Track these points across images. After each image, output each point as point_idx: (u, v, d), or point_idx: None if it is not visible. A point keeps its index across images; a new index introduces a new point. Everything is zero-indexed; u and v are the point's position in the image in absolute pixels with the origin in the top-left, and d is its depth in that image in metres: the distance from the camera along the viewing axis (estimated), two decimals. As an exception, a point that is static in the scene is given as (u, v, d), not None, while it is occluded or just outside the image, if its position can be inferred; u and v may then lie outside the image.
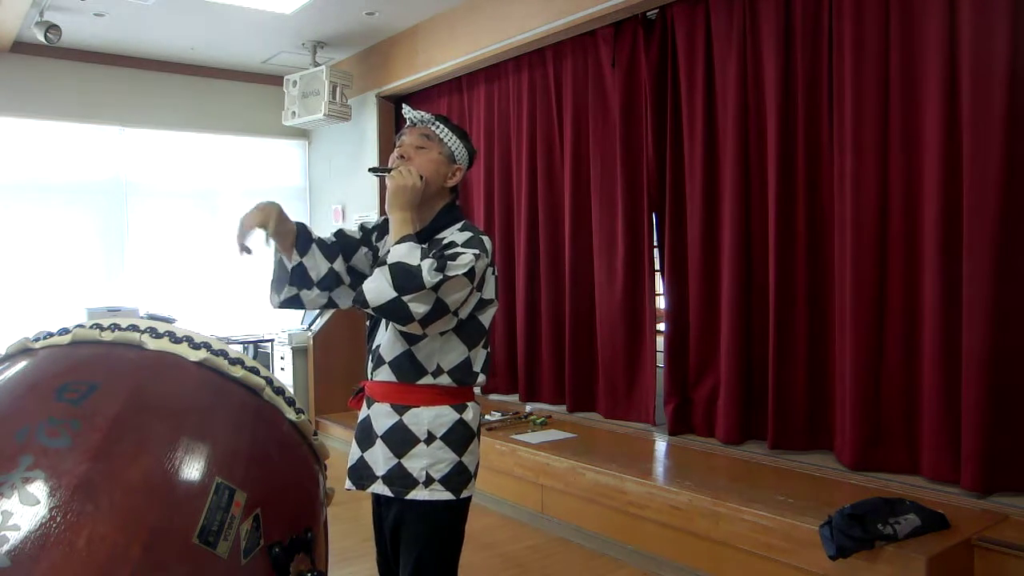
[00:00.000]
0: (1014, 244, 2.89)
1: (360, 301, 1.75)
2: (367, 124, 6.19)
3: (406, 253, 1.72)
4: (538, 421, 4.49)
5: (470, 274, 1.73)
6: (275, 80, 6.39)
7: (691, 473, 3.41)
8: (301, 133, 6.85)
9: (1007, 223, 2.88)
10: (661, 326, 4.32)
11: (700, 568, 3.09)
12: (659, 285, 4.40)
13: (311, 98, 5.80)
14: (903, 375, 3.24)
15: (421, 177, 1.84)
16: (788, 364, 3.59)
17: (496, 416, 4.67)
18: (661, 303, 4.36)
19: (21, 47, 5.54)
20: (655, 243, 4.34)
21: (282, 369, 6.05)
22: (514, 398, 5.20)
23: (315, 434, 1.32)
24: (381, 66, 5.93)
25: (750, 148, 3.77)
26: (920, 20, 3.14)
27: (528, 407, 5.02)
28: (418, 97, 6.02)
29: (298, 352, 5.94)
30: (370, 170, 2.02)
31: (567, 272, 4.73)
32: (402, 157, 1.90)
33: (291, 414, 1.25)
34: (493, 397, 5.33)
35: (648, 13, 4.19)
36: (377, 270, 1.73)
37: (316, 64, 5.91)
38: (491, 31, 4.85)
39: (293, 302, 1.94)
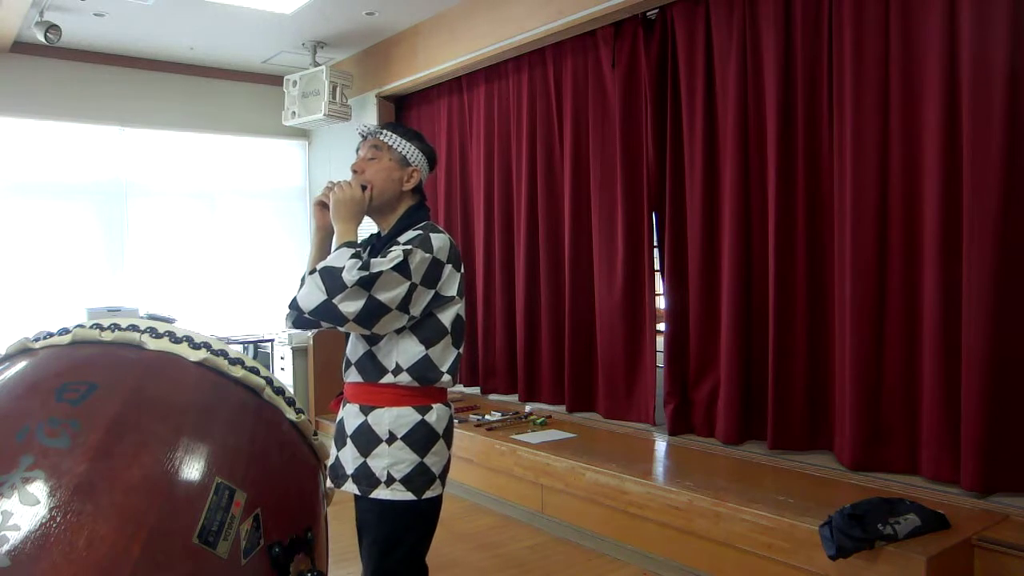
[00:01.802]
0: (1014, 244, 2.88)
1: (295, 308, 1.82)
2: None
3: (335, 257, 1.79)
4: (538, 421, 4.49)
5: (400, 268, 1.76)
6: (275, 80, 6.39)
7: (691, 473, 3.41)
8: (301, 133, 6.85)
9: (1007, 222, 2.88)
10: (661, 326, 4.31)
11: (700, 568, 3.09)
12: (659, 285, 4.39)
13: (311, 98, 5.80)
14: (903, 375, 3.24)
15: (365, 188, 1.91)
16: (788, 364, 3.59)
17: (496, 416, 4.67)
18: (661, 303, 4.36)
19: (21, 47, 5.53)
20: (655, 243, 4.33)
21: (282, 369, 6.05)
22: (514, 398, 5.20)
23: (315, 434, 1.32)
24: (381, 66, 5.93)
25: (750, 148, 3.77)
26: (920, 20, 3.14)
27: (528, 407, 5.01)
28: (418, 97, 6.02)
29: (298, 352, 5.94)
30: (328, 183, 2.01)
31: (567, 272, 4.73)
32: (355, 172, 1.98)
33: (291, 414, 1.25)
34: (493, 397, 5.32)
35: (648, 13, 4.19)
36: (308, 277, 1.80)
37: (316, 64, 5.90)
38: (491, 31, 4.84)
39: (311, 323, 1.93)
